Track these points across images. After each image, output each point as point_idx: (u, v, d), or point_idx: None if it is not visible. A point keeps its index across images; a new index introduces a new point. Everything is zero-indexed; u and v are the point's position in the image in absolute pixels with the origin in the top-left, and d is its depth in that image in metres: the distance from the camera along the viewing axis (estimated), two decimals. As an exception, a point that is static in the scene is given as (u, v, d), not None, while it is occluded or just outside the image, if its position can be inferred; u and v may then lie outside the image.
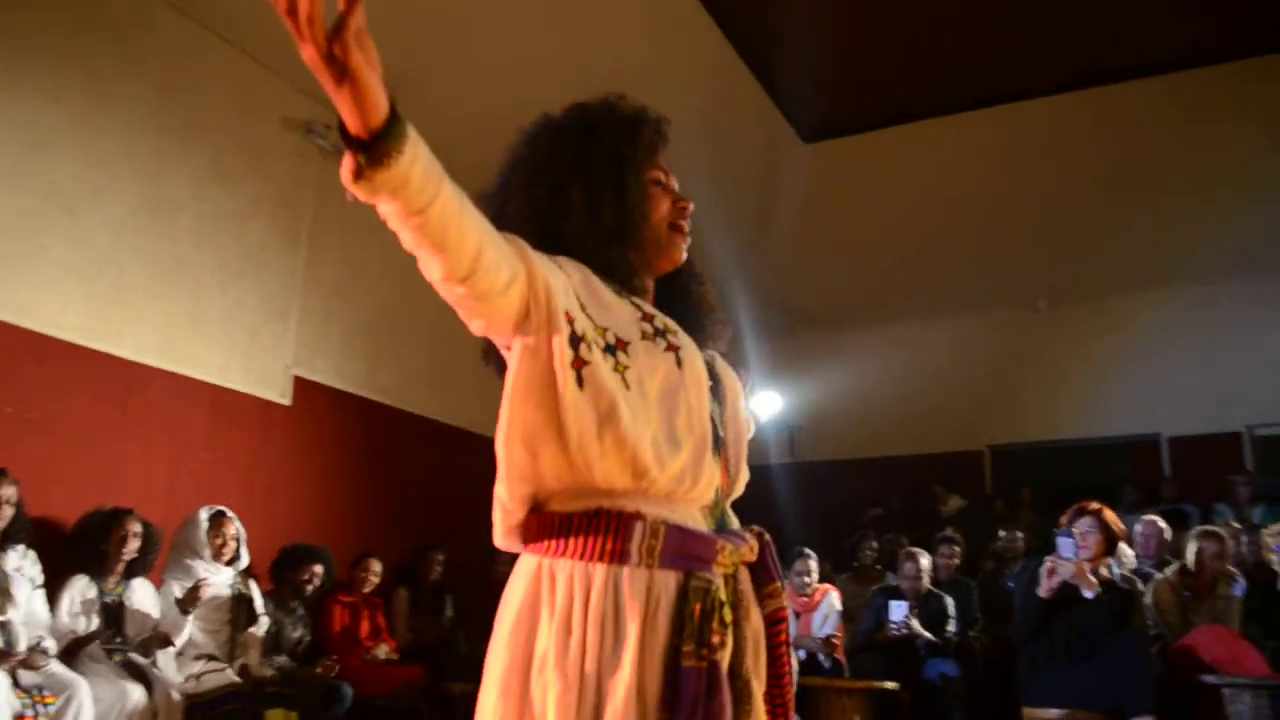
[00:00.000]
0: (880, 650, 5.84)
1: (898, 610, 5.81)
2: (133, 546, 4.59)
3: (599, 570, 1.28)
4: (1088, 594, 4.52)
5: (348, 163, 1.04)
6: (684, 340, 1.44)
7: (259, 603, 5.07)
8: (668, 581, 1.30)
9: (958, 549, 6.73)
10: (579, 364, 1.28)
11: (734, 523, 1.47)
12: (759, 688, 1.38)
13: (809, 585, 6.11)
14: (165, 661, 4.53)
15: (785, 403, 9.93)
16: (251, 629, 4.98)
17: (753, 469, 1.61)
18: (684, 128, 1.60)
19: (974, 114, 8.69)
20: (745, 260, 9.23)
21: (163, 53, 5.73)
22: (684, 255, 1.57)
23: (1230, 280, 9.33)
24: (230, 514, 5.13)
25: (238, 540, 5.12)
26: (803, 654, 5.74)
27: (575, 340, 1.28)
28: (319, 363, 6.61)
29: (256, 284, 6.22)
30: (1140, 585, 4.99)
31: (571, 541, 1.30)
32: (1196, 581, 5.08)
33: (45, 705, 3.80)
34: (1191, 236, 9.01)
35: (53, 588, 4.36)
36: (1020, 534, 7.27)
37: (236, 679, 4.66)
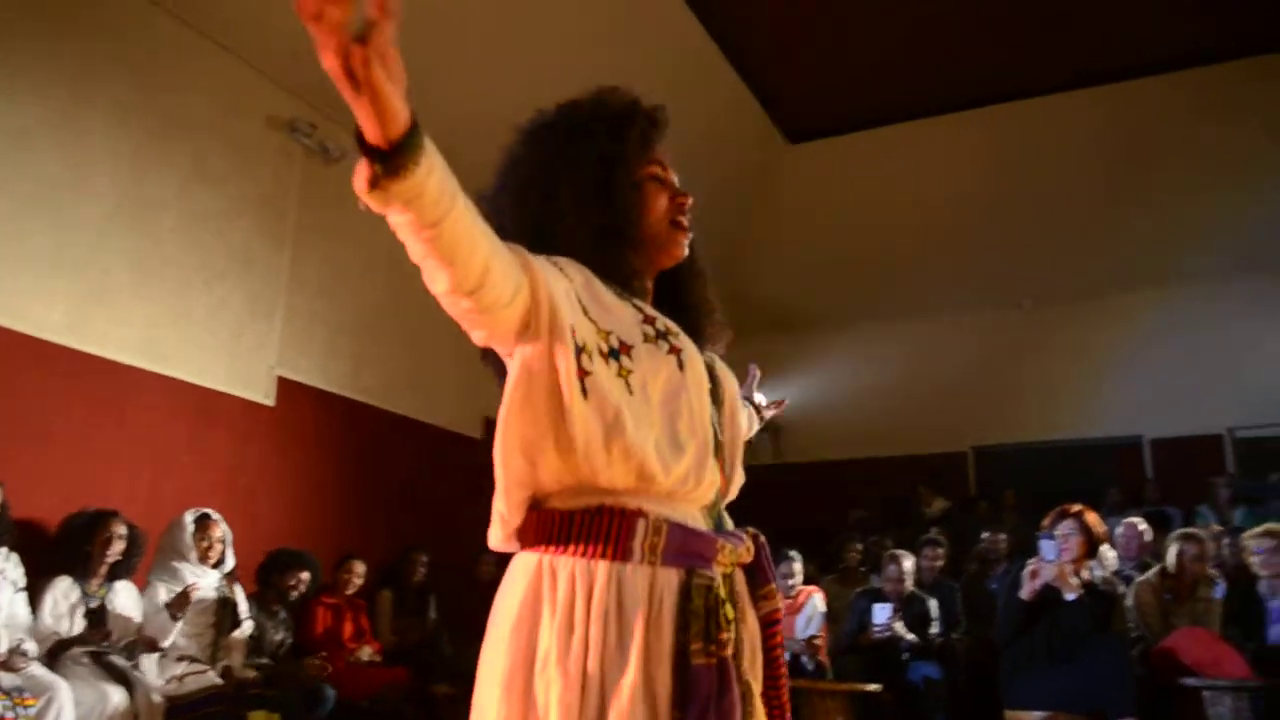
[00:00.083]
0: (863, 652, 5.85)
1: (881, 613, 5.82)
2: (117, 548, 4.57)
3: (601, 567, 1.27)
4: (1069, 596, 4.54)
5: (363, 172, 1.02)
6: (685, 342, 1.44)
7: (243, 607, 5.05)
8: (670, 579, 1.30)
9: (941, 551, 6.75)
10: (582, 374, 1.27)
11: (729, 524, 1.47)
12: (756, 689, 1.39)
13: (793, 587, 6.12)
14: (147, 663, 4.51)
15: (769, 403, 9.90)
16: (235, 633, 4.96)
17: (737, 470, 1.60)
18: (669, 128, 1.58)
19: (957, 116, 8.75)
20: (730, 260, 9.25)
21: (147, 52, 5.71)
22: (685, 251, 1.55)
23: (1213, 283, 9.38)
24: (216, 516, 5.10)
25: (224, 543, 5.09)
26: (786, 655, 5.73)
27: (578, 351, 1.28)
28: (303, 363, 6.59)
29: (241, 284, 6.20)
30: (1122, 587, 5.02)
31: (573, 539, 1.29)
32: (1177, 584, 5.11)
33: (25, 707, 3.78)
34: (1175, 239, 9.08)
35: (34, 589, 4.33)
36: (1003, 536, 7.29)
37: (218, 681, 4.64)
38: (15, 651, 3.92)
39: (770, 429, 11.04)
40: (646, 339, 1.38)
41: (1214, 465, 8.94)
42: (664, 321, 1.44)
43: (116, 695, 4.11)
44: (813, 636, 5.86)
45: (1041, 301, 10.15)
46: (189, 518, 5.01)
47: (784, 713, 1.45)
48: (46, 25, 5.21)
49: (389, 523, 6.93)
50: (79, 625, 4.37)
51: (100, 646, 4.33)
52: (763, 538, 1.48)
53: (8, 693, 3.77)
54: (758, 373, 2.13)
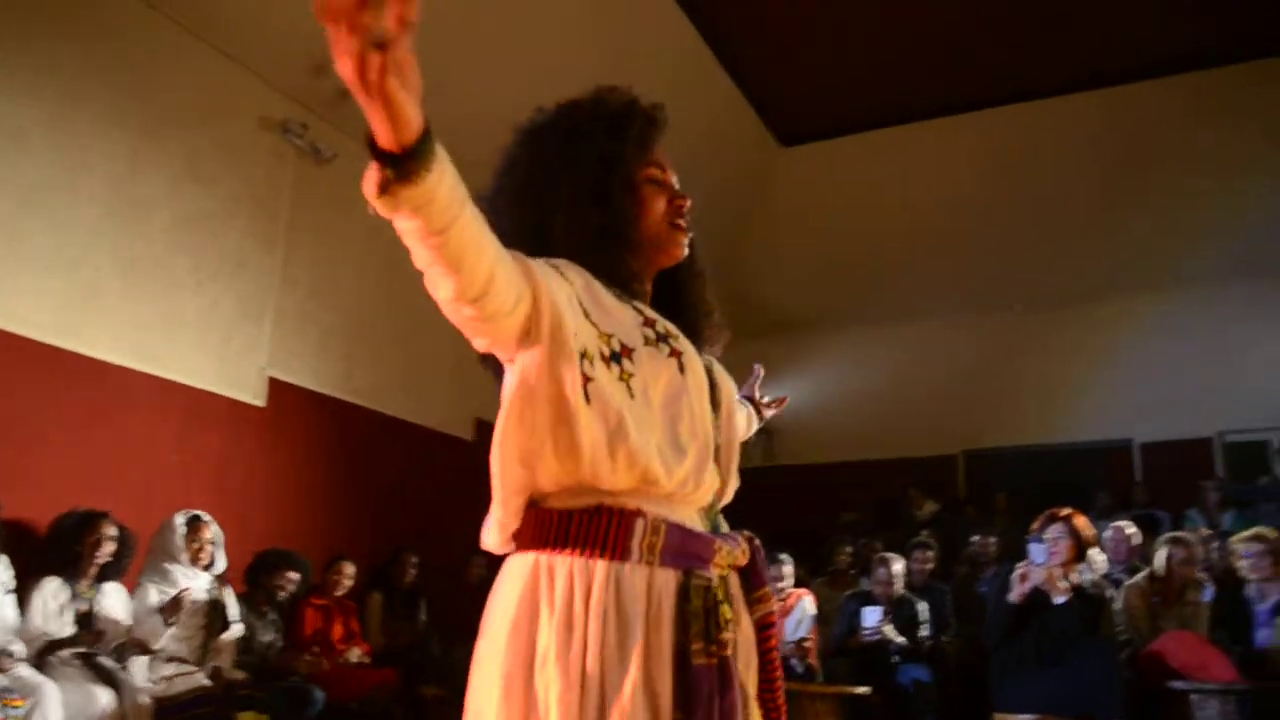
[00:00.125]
0: (853, 655, 5.85)
1: (871, 616, 5.82)
2: (107, 550, 4.55)
3: (600, 566, 1.27)
4: (1058, 600, 4.56)
5: (373, 176, 1.02)
6: (685, 345, 1.44)
7: (234, 610, 5.03)
8: (668, 580, 1.30)
9: (931, 554, 6.75)
10: (585, 380, 1.27)
11: (724, 527, 1.48)
12: (751, 692, 1.40)
13: (783, 590, 6.12)
14: (135, 665, 4.49)
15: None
16: (224, 635, 4.94)
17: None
18: (667, 127, 1.58)
19: (950, 120, 8.78)
20: (722, 263, 9.26)
21: (139, 52, 5.69)
22: (685, 251, 1.54)
23: (1202, 288, 9.43)
24: (207, 518, 5.08)
25: (215, 545, 5.08)
26: (779, 658, 5.72)
27: (580, 357, 1.27)
28: (294, 364, 6.58)
29: (232, 284, 6.18)
30: (1110, 591, 5.03)
31: (571, 538, 1.29)
32: (1165, 587, 5.13)
33: (13, 708, 3.76)
34: (1165, 244, 9.11)
35: (23, 590, 4.31)
36: (993, 539, 7.30)
37: (207, 682, 4.62)
38: (3, 653, 3.91)
39: (763, 431, 10.99)
40: (647, 342, 1.38)
41: (1203, 469, 8.98)
42: (664, 324, 1.44)
43: (104, 696, 4.10)
44: (802, 639, 5.86)
45: (1032, 306, 10.18)
46: (180, 519, 4.99)
47: (780, 715, 1.46)
48: (40, 26, 5.20)
49: (379, 524, 6.92)
50: (68, 626, 4.35)
51: (90, 648, 4.32)
52: (758, 541, 1.48)
53: (-5, 694, 3.76)
54: (761, 372, 2.13)
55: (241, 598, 5.24)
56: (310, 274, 6.75)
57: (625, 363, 1.33)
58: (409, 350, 7.42)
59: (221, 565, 5.11)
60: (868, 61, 8.06)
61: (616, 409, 1.28)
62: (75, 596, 4.45)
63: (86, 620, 4.42)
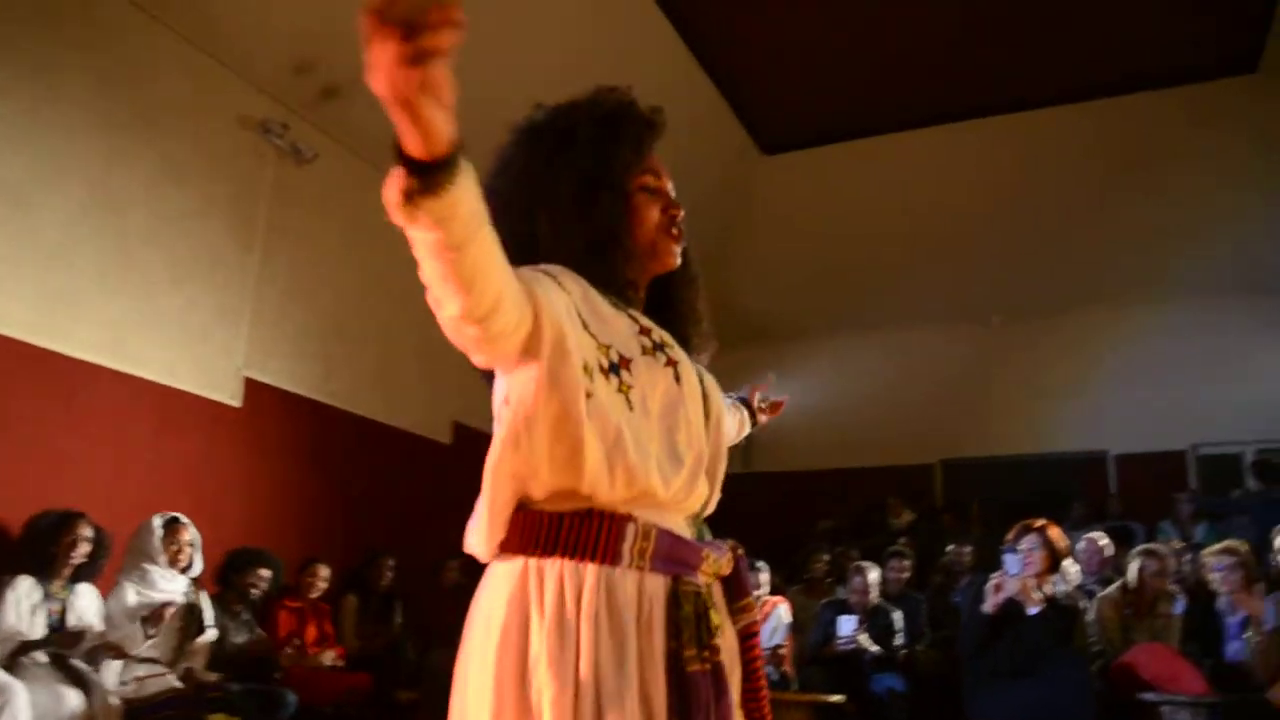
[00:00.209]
0: (827, 663, 5.87)
1: (846, 625, 5.84)
2: (82, 550, 4.50)
3: (591, 570, 1.26)
4: (1031, 610, 4.58)
5: (398, 184, 1.01)
6: (680, 354, 1.45)
7: (209, 615, 4.99)
8: (657, 586, 1.30)
9: (907, 563, 6.78)
10: (585, 396, 1.26)
11: (708, 535, 1.48)
12: (735, 700, 1.39)
13: (759, 597, 6.13)
14: (107, 667, 4.44)
15: (739, 413, 9.93)
16: (199, 640, 4.90)
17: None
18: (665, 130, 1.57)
19: (931, 130, 8.83)
20: (702, 271, 9.26)
21: (117, 46, 5.65)
22: (678, 260, 1.54)
23: (1179, 302, 9.50)
24: (185, 520, 5.04)
25: (193, 546, 5.03)
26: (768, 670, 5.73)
27: (581, 371, 1.27)
28: (271, 365, 6.54)
29: (209, 283, 6.14)
30: (1084, 602, 5.07)
31: (561, 542, 1.28)
32: (1138, 599, 5.16)
33: (-20, 709, 3.72)
34: (1144, 259, 9.19)
35: (-6, 587, 4.26)
36: (968, 548, 7.33)
37: (178, 684, 4.58)
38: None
39: (741, 439, 11.01)
40: (644, 351, 1.38)
41: (1177, 481, 9.05)
42: (660, 333, 1.44)
43: (73, 698, 4.06)
44: (777, 646, 5.87)
45: (1010, 317, 10.24)
46: (158, 521, 4.93)
47: None
48: (14, 17, 5.15)
49: (354, 527, 6.88)
50: (40, 627, 4.30)
51: (66, 651, 4.27)
52: (741, 551, 1.49)
53: (-38, 695, 3.72)
54: (772, 379, 2.14)
55: (214, 598, 5.20)
56: (288, 275, 6.71)
57: (624, 374, 1.33)
58: (387, 353, 7.39)
59: (199, 567, 5.07)
60: (850, 71, 8.10)
61: (615, 424, 1.28)
62: (48, 597, 4.40)
63: (60, 621, 4.38)
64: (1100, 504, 9.02)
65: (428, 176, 1.00)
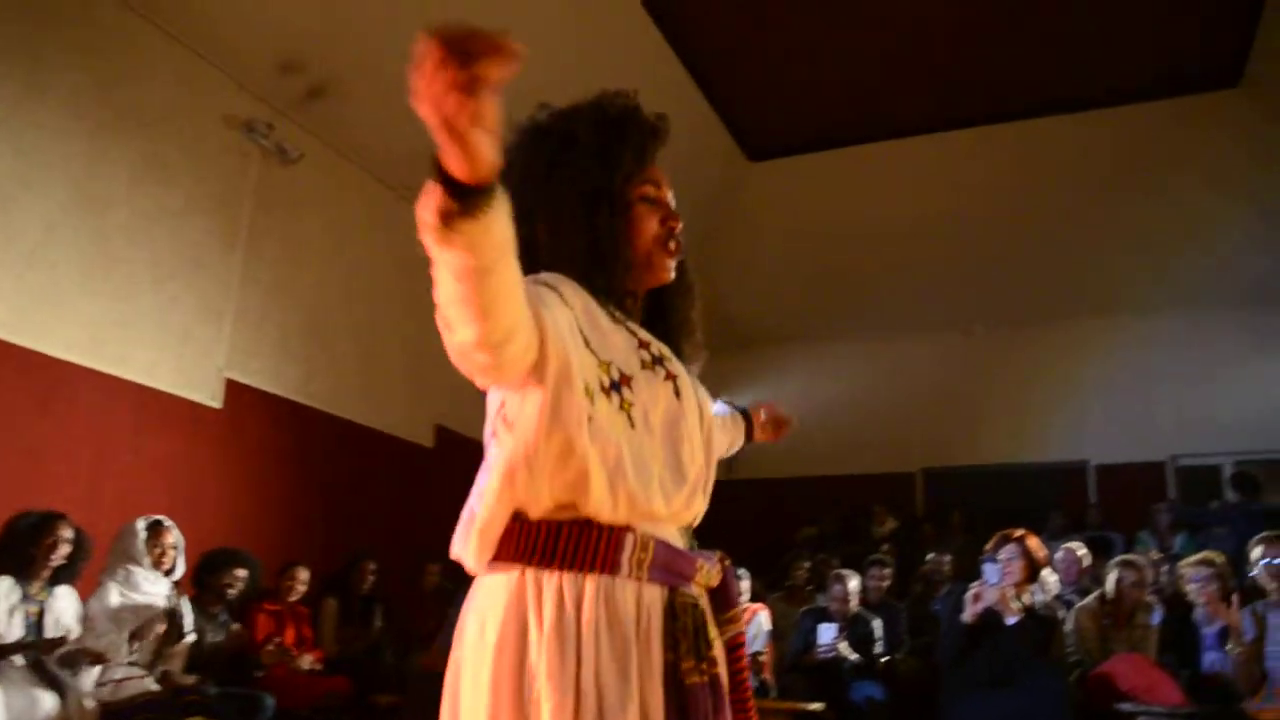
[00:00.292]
0: (807, 671, 5.87)
1: (826, 633, 5.84)
2: (62, 552, 4.45)
3: (590, 580, 1.25)
4: (1010, 620, 4.60)
5: (436, 203, 1.00)
6: (679, 368, 1.44)
7: (189, 619, 4.95)
8: (654, 596, 1.29)
9: (887, 571, 6.78)
10: (588, 419, 1.25)
11: (695, 546, 1.47)
12: None
13: (740, 604, 6.12)
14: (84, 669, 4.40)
15: (722, 420, 9.94)
16: (178, 644, 4.86)
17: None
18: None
19: (917, 140, 8.86)
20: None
21: (102, 43, 5.62)
22: (672, 274, 1.53)
23: (1161, 314, 9.58)
24: (169, 523, 5.00)
25: (176, 549, 5.00)
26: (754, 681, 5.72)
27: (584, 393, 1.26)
28: (252, 366, 6.51)
29: (191, 283, 6.11)
30: (1062, 612, 5.09)
31: (559, 552, 1.26)
32: (1116, 609, 5.18)
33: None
34: (1125, 270, 9.25)
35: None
36: (948, 557, 7.35)
37: (155, 687, 4.55)
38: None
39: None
40: (644, 365, 1.37)
41: (1156, 492, 9.11)
42: (658, 346, 1.44)
43: (48, 700, 4.02)
44: (757, 654, 5.86)
45: (993, 327, 10.29)
46: (141, 524, 4.89)
47: None
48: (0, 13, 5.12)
49: (335, 530, 6.85)
50: (18, 627, 4.26)
51: (45, 656, 4.22)
52: (728, 562, 1.48)
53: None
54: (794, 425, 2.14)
55: (191, 600, 5.17)
56: (272, 276, 6.68)
57: (625, 391, 1.32)
58: (369, 355, 7.37)
59: (182, 570, 5.03)
60: (837, 79, 8.13)
61: (615, 445, 1.27)
62: (26, 598, 4.35)
63: (38, 623, 4.34)
64: (1080, 514, 9.07)
65: (469, 199, 0.99)
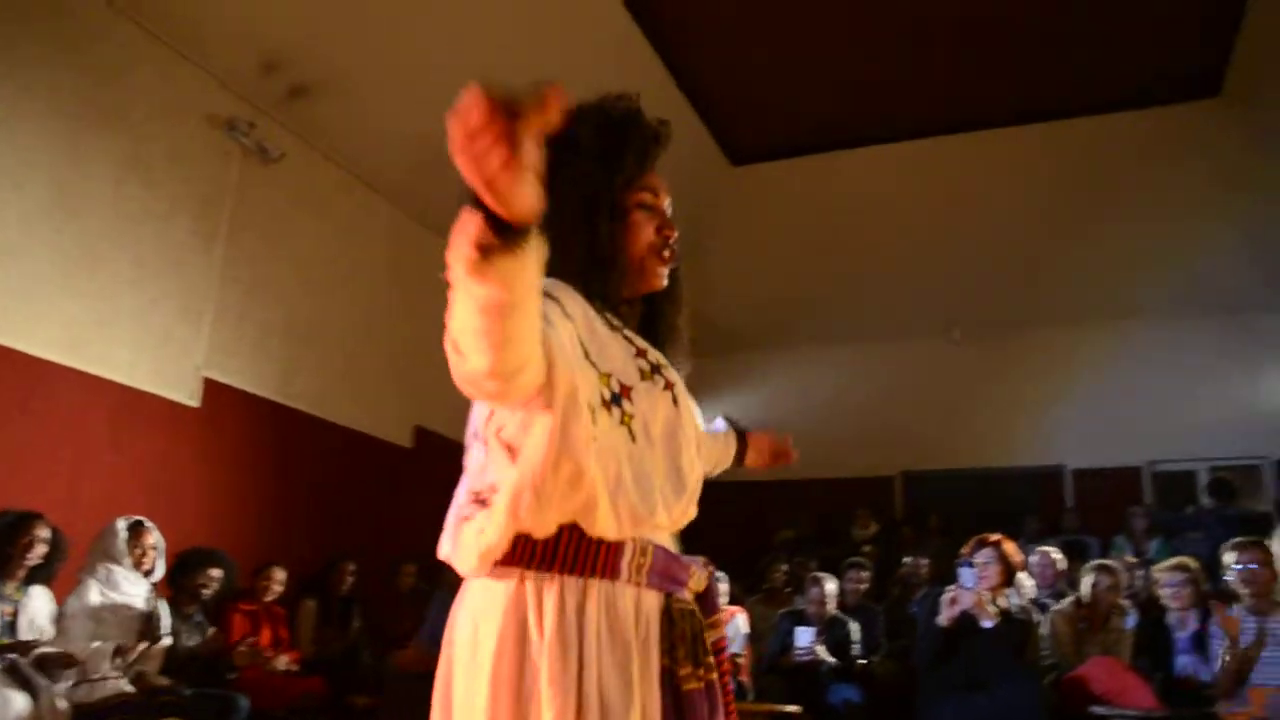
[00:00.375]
0: (785, 674, 5.88)
1: (804, 636, 5.86)
2: (38, 552, 4.42)
3: (592, 585, 1.26)
4: (986, 624, 4.63)
5: (474, 236, 0.98)
6: (674, 375, 1.45)
7: (166, 621, 4.92)
8: (652, 602, 1.30)
9: (865, 574, 6.81)
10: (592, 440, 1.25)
11: (681, 549, 1.48)
12: None
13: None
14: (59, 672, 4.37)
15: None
16: (155, 646, 4.83)
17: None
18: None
19: (899, 146, 8.91)
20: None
21: (83, 41, 5.59)
22: (664, 283, 1.52)
23: (1139, 322, 9.66)
24: (149, 524, 4.97)
25: (156, 550, 4.97)
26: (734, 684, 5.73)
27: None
28: (231, 365, 6.47)
29: (171, 283, 6.08)
30: (1037, 616, 5.12)
31: (560, 557, 1.26)
32: (1091, 613, 5.22)
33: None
34: (1105, 277, 9.32)
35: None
36: (925, 560, 7.39)
37: (129, 689, 4.52)
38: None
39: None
40: (643, 375, 1.37)
41: (1132, 497, 9.18)
42: (654, 354, 1.44)
43: (19, 701, 3.99)
44: (735, 656, 5.88)
45: (972, 332, 10.35)
46: (122, 524, 4.85)
47: None
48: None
49: (313, 530, 6.82)
50: (-6, 628, 4.23)
51: (19, 656, 4.19)
52: (712, 567, 1.50)
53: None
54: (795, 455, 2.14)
55: (167, 601, 5.14)
56: (251, 275, 6.65)
57: (625, 404, 1.32)
58: (349, 355, 7.35)
59: (161, 571, 5.00)
60: (820, 85, 8.16)
61: (615, 462, 1.27)
62: (1, 598, 4.32)
63: (11, 623, 4.30)
64: (1056, 518, 9.13)
65: (510, 236, 0.98)
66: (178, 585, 5.27)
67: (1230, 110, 8.07)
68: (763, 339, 10.93)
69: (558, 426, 1.21)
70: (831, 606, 6.18)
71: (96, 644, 4.45)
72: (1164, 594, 5.06)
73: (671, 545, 1.40)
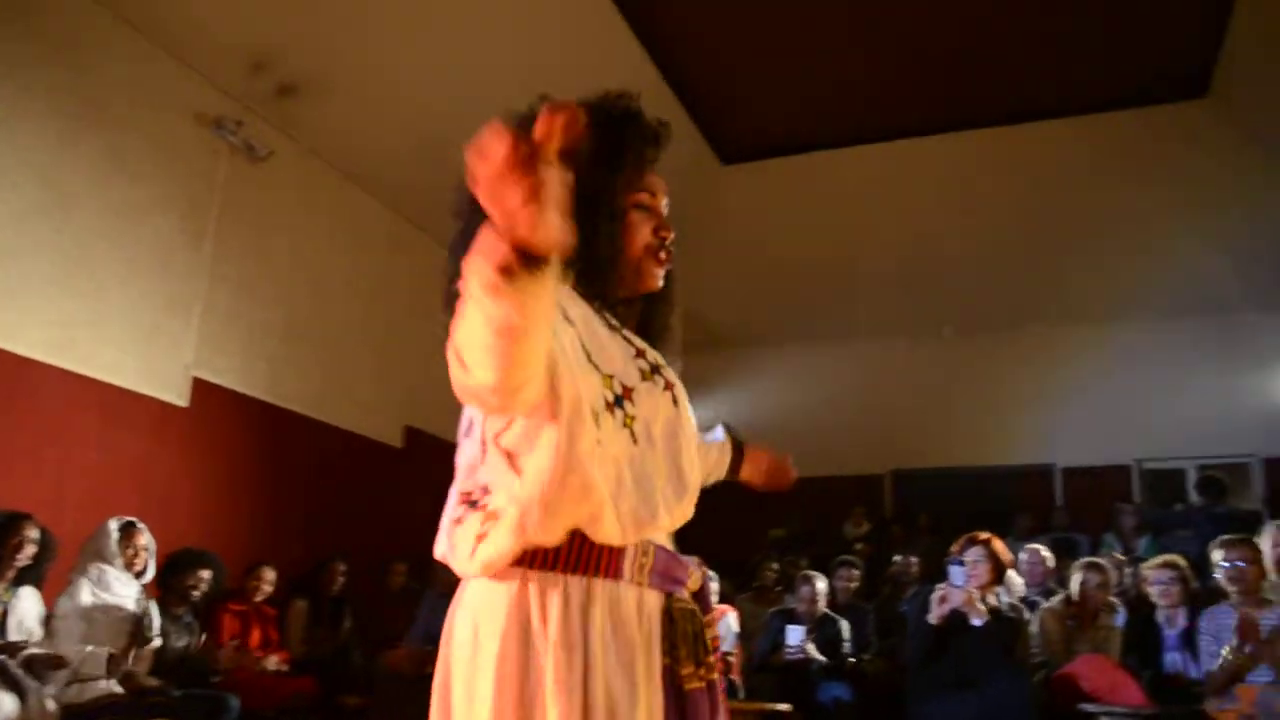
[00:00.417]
0: (775, 672, 5.88)
1: (794, 634, 5.86)
2: (27, 552, 4.40)
3: (596, 585, 1.25)
4: (976, 622, 4.63)
5: (498, 255, 0.98)
6: (673, 375, 1.44)
7: (156, 623, 4.91)
8: (653, 602, 1.31)
9: (855, 572, 6.82)
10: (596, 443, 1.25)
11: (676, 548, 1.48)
12: None
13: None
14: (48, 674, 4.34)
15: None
16: (145, 647, 4.82)
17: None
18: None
19: (889, 145, 8.92)
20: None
21: (71, 38, 5.56)
22: (660, 283, 1.51)
23: (1128, 321, 9.70)
24: (141, 525, 4.95)
25: (148, 551, 4.95)
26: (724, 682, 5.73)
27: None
28: (219, 364, 6.45)
29: (159, 282, 6.06)
30: (1027, 613, 5.13)
31: (564, 558, 1.25)
32: (1081, 611, 5.23)
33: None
34: (1095, 277, 9.35)
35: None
36: (915, 559, 7.40)
37: (118, 690, 4.50)
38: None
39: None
40: (643, 376, 1.37)
41: (1121, 495, 9.22)
42: (653, 354, 1.43)
43: (8, 702, 3.97)
44: (726, 654, 5.88)
45: (962, 330, 10.38)
46: (113, 525, 4.83)
47: None
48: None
49: (302, 530, 6.81)
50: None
51: (7, 658, 4.17)
52: (705, 567, 1.49)
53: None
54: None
55: (156, 602, 5.12)
56: (240, 274, 6.63)
57: (627, 406, 1.32)
58: (338, 355, 7.33)
59: (152, 573, 4.99)
60: (811, 83, 8.16)
61: (616, 467, 1.27)
62: (-11, 598, 4.30)
63: (0, 624, 4.28)
64: (1046, 516, 9.16)
65: (534, 256, 0.98)
66: (167, 586, 5.25)
67: (1218, 110, 8.10)
68: (752, 337, 10.95)
69: (564, 440, 1.20)
70: (822, 605, 6.18)
71: (90, 648, 4.43)
72: (1153, 591, 5.07)
73: (669, 545, 1.40)
